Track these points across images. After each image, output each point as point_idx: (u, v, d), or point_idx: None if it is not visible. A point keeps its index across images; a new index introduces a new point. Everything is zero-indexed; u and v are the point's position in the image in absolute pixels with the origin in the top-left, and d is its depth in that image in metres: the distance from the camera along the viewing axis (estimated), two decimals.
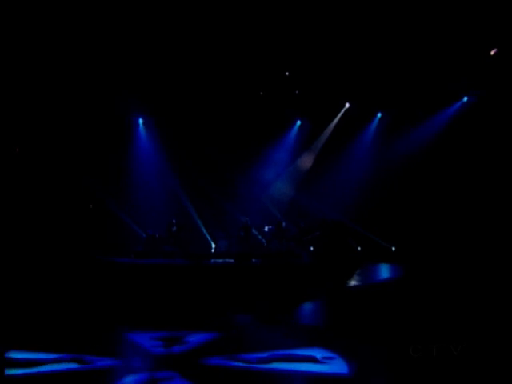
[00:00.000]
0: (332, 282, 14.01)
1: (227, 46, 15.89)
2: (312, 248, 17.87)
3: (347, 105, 19.88)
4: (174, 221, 17.21)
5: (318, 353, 7.98)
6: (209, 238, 18.73)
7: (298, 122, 20.12)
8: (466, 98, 18.65)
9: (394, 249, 18.65)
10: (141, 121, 18.73)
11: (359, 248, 18.95)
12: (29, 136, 15.45)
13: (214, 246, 18.20)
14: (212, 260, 16.04)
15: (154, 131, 18.80)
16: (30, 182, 15.11)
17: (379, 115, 20.11)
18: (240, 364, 7.53)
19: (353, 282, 14.08)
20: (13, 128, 14.33)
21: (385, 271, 15.44)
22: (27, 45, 13.24)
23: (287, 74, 17.63)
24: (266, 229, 18.45)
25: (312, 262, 16.32)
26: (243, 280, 14.02)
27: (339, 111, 20.30)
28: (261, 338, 9.31)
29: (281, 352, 8.01)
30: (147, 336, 8.85)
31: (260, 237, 18.55)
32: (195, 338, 8.78)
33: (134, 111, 17.93)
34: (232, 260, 15.87)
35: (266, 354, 7.88)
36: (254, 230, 18.44)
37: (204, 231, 18.86)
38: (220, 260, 16.15)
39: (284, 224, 18.28)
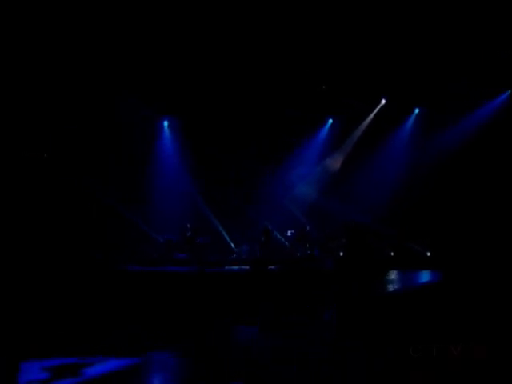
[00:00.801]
0: (353, 290, 12.72)
1: (256, 44, 15.29)
2: (341, 253, 16.60)
3: (383, 101, 18.42)
4: (188, 225, 16.29)
5: None
6: (231, 244, 17.78)
7: (330, 121, 19.01)
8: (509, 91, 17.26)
9: (429, 254, 17.12)
10: (166, 123, 18.22)
11: (392, 253, 17.53)
12: (51, 140, 15.20)
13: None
14: (226, 267, 14.98)
15: (178, 133, 18.28)
16: (47, 185, 14.78)
17: (416, 111, 18.79)
18: None
19: (376, 290, 12.74)
20: (34, 133, 14.29)
21: (414, 278, 14.05)
22: (45, 41, 13.19)
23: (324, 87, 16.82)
24: (289, 233, 17.40)
25: (335, 268, 15.03)
26: (255, 288, 12.89)
27: (374, 108, 19.04)
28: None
29: None
30: (39, 365, 6.97)
31: (285, 241, 17.43)
32: (99, 368, 6.85)
33: (160, 113, 17.56)
34: (248, 267, 14.81)
35: None
36: (277, 235, 17.38)
37: (225, 236, 17.91)
38: (235, 267, 15.12)
39: (308, 228, 17.13)
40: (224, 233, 17.63)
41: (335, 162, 19.09)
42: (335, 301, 10.83)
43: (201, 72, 16.10)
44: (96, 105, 15.67)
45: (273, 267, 14.65)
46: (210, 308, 11.52)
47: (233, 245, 17.51)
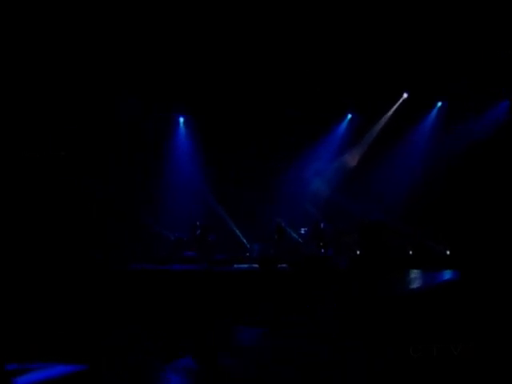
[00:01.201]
0: (364, 290, 12.15)
1: (273, 36, 14.83)
2: (355, 252, 16.00)
3: (405, 95, 17.74)
4: (197, 223, 15.90)
5: None
6: (244, 242, 17.35)
7: (349, 116, 18.40)
8: None
9: (448, 253, 16.38)
10: (181, 119, 17.94)
11: (410, 252, 16.84)
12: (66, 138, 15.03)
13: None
14: (235, 265, 14.54)
15: (193, 131, 18.00)
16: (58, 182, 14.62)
17: (439, 104, 18.04)
18: None
19: (382, 290, 12.15)
20: (35, 133, 14.06)
21: (429, 278, 13.36)
22: (48, 40, 13.12)
23: None
24: (303, 230, 16.86)
25: (348, 267, 14.46)
26: (260, 288, 12.42)
27: (395, 102, 18.33)
28: None
29: None
30: None
31: (298, 239, 16.92)
32: (36, 375, 6.07)
33: (177, 109, 17.38)
34: (257, 265, 14.37)
35: None
36: (291, 232, 16.88)
37: (239, 234, 17.49)
38: (244, 266, 14.68)
39: (322, 225, 16.55)
40: (237, 231, 17.17)
41: (352, 158, 18.47)
42: (335, 301, 10.56)
43: (216, 67, 15.77)
44: (107, 102, 15.44)
45: (283, 266, 14.18)
46: (212, 307, 11.11)
47: (246, 243, 17.01)
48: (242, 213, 17.47)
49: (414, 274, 14.18)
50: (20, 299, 9.45)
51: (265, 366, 7.24)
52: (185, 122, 18.10)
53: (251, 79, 16.23)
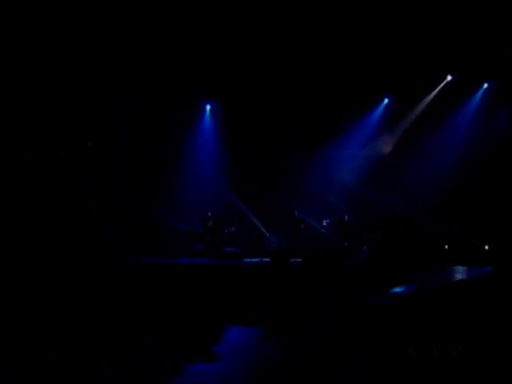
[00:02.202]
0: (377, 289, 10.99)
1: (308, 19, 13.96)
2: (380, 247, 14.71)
3: (449, 77, 16.27)
4: (209, 214, 15.03)
5: None
6: (267, 235, 16.34)
7: (386, 100, 16.93)
8: None
9: (487, 247, 14.81)
10: (208, 107, 17.02)
11: (446, 247, 15.37)
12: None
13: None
14: (246, 260, 13.61)
15: (220, 119, 16.98)
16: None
17: (485, 86, 16.37)
18: None
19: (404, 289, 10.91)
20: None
21: (459, 274, 12.02)
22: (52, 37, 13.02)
23: None
24: (325, 222, 15.68)
25: (368, 263, 13.25)
26: (264, 283, 11.44)
27: (436, 86, 16.76)
28: None
29: None
30: None
31: (321, 231, 15.81)
32: None
33: (204, 96, 16.50)
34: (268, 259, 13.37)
35: None
36: (314, 224, 15.76)
37: (260, 226, 16.48)
38: (255, 260, 13.72)
39: (347, 217, 15.34)
40: (258, 223, 16.16)
41: (386, 145, 17.03)
42: (338, 299, 10.00)
43: (245, 53, 15.00)
44: (111, 98, 14.97)
45: (296, 260, 13.14)
46: (212, 304, 10.29)
47: (268, 235, 15.99)
48: (263, 204, 16.39)
49: (444, 269, 12.87)
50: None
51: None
52: (211, 109, 17.16)
53: (280, 65, 15.31)
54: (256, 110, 16.46)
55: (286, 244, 14.96)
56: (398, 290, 10.89)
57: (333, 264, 12.74)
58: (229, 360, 7.53)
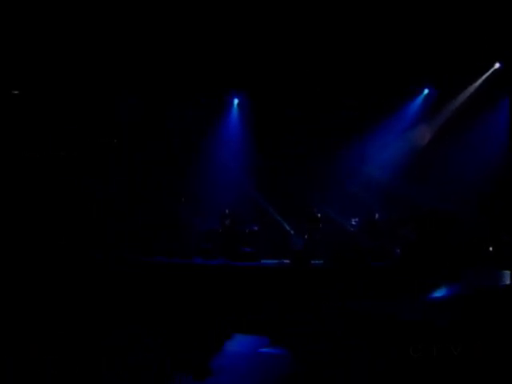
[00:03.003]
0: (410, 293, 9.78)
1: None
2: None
3: (497, 65, 14.76)
4: (226, 211, 13.99)
5: None
6: (291, 235, 15.17)
7: (425, 91, 15.53)
8: None
9: None
10: (236, 101, 16.07)
11: (490, 248, 13.76)
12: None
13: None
14: (263, 261, 12.49)
15: (247, 114, 16.00)
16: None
17: None
18: None
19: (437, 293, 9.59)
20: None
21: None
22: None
23: None
24: (354, 222, 14.43)
25: (400, 264, 11.89)
26: (282, 286, 10.37)
27: (481, 75, 15.19)
28: None
29: None
30: None
31: (349, 230, 14.59)
32: None
33: (232, 90, 15.61)
34: (288, 261, 12.27)
35: None
36: (342, 223, 14.52)
37: (284, 226, 15.32)
38: (274, 261, 12.59)
39: (377, 215, 14.01)
40: (282, 222, 14.98)
41: (423, 136, 15.54)
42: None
43: (273, 44, 13.78)
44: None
45: (318, 262, 11.94)
46: (214, 309, 9.56)
47: (291, 235, 14.79)
48: (289, 202, 15.22)
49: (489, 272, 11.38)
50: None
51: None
52: (239, 103, 16.10)
53: (310, 55, 14.09)
54: (285, 104, 15.49)
55: (306, 244, 13.86)
56: (436, 294, 9.61)
57: (357, 265, 11.48)
58: (228, 373, 7.03)
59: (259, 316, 9.02)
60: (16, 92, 13.41)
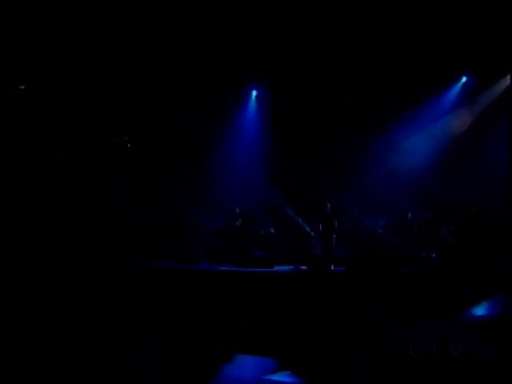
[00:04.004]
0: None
1: None
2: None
3: None
4: (237, 210, 12.48)
5: None
6: (311, 238, 13.58)
7: (463, 79, 14.02)
8: None
9: None
10: (254, 93, 14.71)
11: None
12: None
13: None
14: (277, 267, 10.96)
15: (266, 106, 14.58)
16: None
17: None
18: None
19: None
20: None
21: None
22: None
23: None
24: (381, 222, 12.89)
25: (437, 272, 10.23)
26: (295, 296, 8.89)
27: None
28: None
29: None
30: None
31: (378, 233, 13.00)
32: None
33: (251, 81, 14.40)
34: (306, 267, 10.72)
35: None
36: (368, 223, 13.01)
37: (305, 228, 13.76)
38: (289, 267, 11.06)
39: (410, 215, 12.34)
40: (301, 223, 13.40)
41: (462, 123, 13.91)
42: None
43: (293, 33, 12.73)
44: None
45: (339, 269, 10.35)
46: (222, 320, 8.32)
47: (312, 238, 13.18)
48: (310, 202, 13.60)
49: None
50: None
51: None
52: (258, 95, 14.71)
53: (333, 46, 13.00)
54: (306, 95, 14.13)
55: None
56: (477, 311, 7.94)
57: (382, 272, 9.86)
58: None
59: (267, 332, 7.76)
60: (22, 87, 13.22)
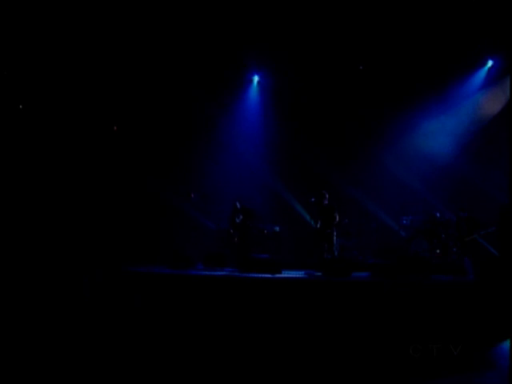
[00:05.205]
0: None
1: None
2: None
3: None
4: (237, 204, 10.80)
5: None
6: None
7: (489, 63, 12.63)
8: None
9: None
10: (256, 78, 13.49)
11: None
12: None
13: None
14: (285, 272, 9.19)
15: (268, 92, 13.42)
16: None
17: None
18: None
19: None
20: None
21: None
22: None
23: None
24: (405, 221, 11.17)
25: (480, 279, 8.46)
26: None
27: None
28: None
29: None
30: None
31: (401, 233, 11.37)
32: None
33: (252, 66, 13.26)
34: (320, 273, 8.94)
35: None
36: (390, 223, 11.48)
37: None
38: (300, 272, 9.29)
39: (439, 214, 10.65)
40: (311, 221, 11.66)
41: (493, 105, 12.30)
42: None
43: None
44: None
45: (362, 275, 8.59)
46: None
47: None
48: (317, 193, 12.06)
49: None
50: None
51: None
52: (260, 81, 13.46)
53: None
54: (315, 76, 12.73)
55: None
56: None
57: (418, 280, 8.09)
58: None
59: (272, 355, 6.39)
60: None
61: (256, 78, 13.43)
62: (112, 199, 12.10)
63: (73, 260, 10.29)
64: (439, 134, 12.17)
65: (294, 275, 9.07)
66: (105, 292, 8.88)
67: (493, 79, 12.60)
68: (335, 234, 9.91)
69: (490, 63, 12.66)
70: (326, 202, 9.98)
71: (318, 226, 9.89)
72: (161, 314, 8.10)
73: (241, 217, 10.62)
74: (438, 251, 10.35)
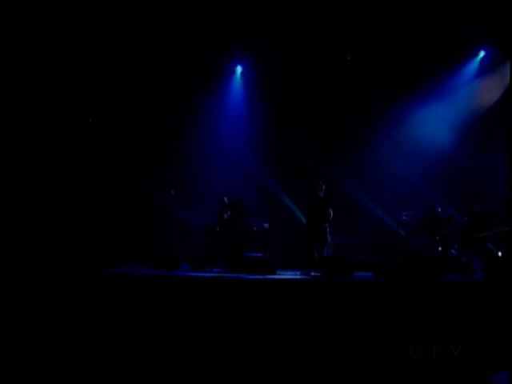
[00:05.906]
0: None
1: None
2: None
3: None
4: (225, 199, 10.12)
5: None
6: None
7: (481, 54, 12.50)
8: None
9: None
10: (239, 69, 13.09)
11: None
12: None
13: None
14: (280, 272, 8.52)
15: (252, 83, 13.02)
16: None
17: None
18: None
19: None
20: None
21: None
22: None
23: None
24: (404, 216, 10.66)
25: (488, 278, 7.91)
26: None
27: None
28: None
29: None
30: None
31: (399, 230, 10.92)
32: None
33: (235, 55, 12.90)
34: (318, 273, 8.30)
35: None
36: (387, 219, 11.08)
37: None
38: (294, 273, 8.63)
39: (440, 209, 10.15)
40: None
41: (490, 94, 12.10)
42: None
43: None
44: None
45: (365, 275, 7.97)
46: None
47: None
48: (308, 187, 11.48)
49: None
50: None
51: None
52: (243, 72, 13.08)
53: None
54: (305, 64, 12.34)
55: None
56: None
57: (426, 280, 7.49)
58: None
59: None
60: None
61: (239, 69, 12.96)
62: (86, 196, 11.44)
63: (37, 261, 9.57)
64: (435, 124, 11.78)
65: (290, 275, 8.40)
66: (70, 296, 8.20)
67: (485, 69, 12.36)
68: (328, 231, 9.23)
69: (482, 54, 12.48)
70: (322, 195, 9.25)
71: (310, 221, 9.12)
72: (145, 318, 7.37)
73: (229, 212, 9.90)
74: (439, 248, 9.81)
